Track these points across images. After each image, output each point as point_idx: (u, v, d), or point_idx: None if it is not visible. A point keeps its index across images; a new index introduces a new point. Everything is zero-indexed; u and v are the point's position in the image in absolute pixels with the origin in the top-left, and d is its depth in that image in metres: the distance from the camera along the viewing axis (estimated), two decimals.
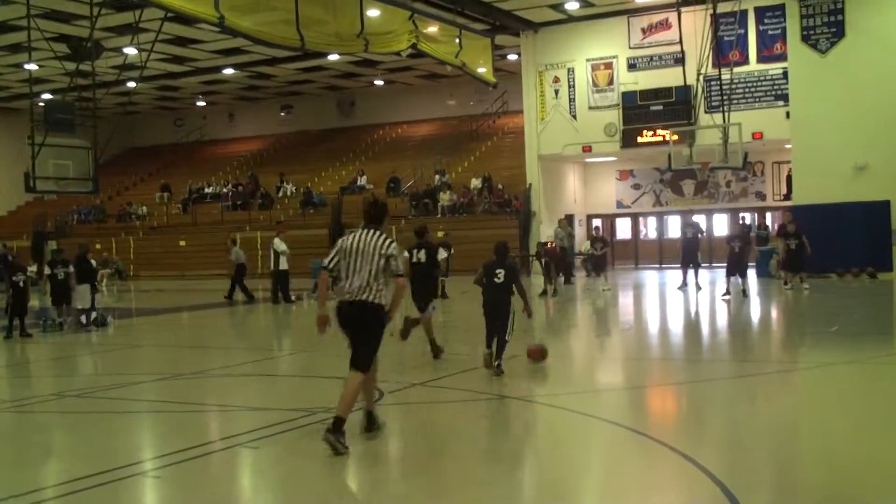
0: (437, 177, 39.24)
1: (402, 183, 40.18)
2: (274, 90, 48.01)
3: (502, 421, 9.21)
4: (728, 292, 21.09)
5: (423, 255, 13.01)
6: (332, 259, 7.99)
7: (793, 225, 23.36)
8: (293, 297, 24.28)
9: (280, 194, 43.13)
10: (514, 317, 11.34)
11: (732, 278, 21.47)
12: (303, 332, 18.55)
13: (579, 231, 36.81)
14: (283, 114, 51.23)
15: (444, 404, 9.79)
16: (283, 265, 24.08)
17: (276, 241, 24.48)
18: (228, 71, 41.49)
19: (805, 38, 28.14)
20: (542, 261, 25.03)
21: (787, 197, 31.00)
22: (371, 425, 8.19)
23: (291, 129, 50.88)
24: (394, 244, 7.92)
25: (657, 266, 36.09)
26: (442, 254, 18.57)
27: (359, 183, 41.09)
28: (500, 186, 37.06)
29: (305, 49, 22.05)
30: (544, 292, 23.59)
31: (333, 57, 36.39)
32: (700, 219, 30.99)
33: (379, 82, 46.67)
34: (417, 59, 36.32)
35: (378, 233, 7.99)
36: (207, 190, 45.46)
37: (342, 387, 7.83)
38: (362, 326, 7.83)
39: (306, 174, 44.43)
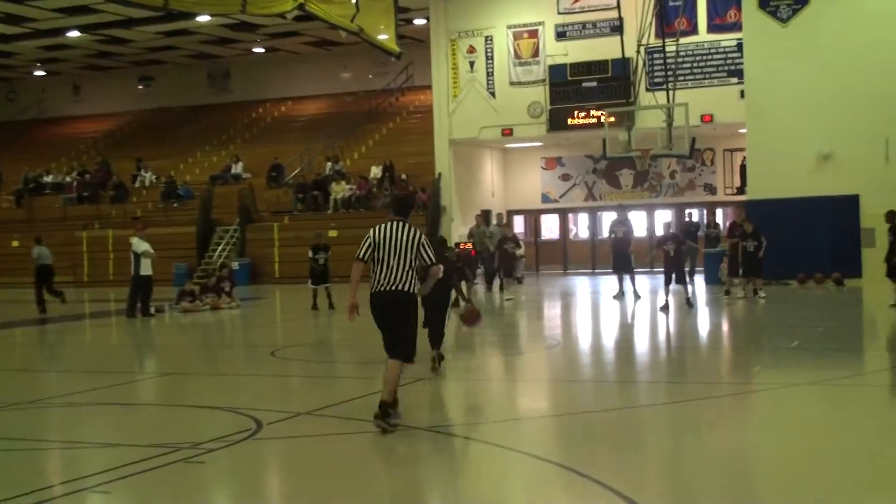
0: (328, 164, 39.10)
1: (285, 171, 39.93)
2: (130, 58, 47.33)
3: (406, 457, 9.21)
4: (667, 303, 21.43)
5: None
6: (365, 251, 9.80)
7: (750, 224, 23.84)
8: (152, 310, 23.92)
9: (137, 184, 42.51)
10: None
11: (672, 286, 21.81)
12: (166, 353, 18.30)
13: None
14: (140, 87, 50.55)
15: (336, 437, 9.76)
16: (146, 270, 23.62)
17: (135, 240, 24.05)
18: (73, 34, 40.71)
19: (763, 5, 28.73)
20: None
21: (741, 190, 31.61)
22: (388, 415, 9.53)
23: (151, 105, 50.21)
24: (423, 236, 9.85)
25: (589, 271, 36.53)
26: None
27: (233, 171, 40.72)
28: (403, 176, 37.09)
29: (169, 7, 21.80)
30: (456, 301, 23.58)
31: (203, 18, 36.03)
32: (638, 215, 31.51)
33: (259, 50, 46.37)
34: (305, 23, 36.15)
35: (407, 225, 9.80)
36: (47, 179, 44.49)
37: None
38: (398, 314, 9.64)
39: (169, 160, 43.88)
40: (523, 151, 38.51)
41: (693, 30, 31.33)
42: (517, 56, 34.07)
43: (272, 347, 17.50)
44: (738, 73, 30.32)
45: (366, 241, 9.86)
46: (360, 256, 9.82)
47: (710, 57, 31.64)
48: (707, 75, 31.62)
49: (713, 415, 10.66)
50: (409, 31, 38.76)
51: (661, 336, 18.55)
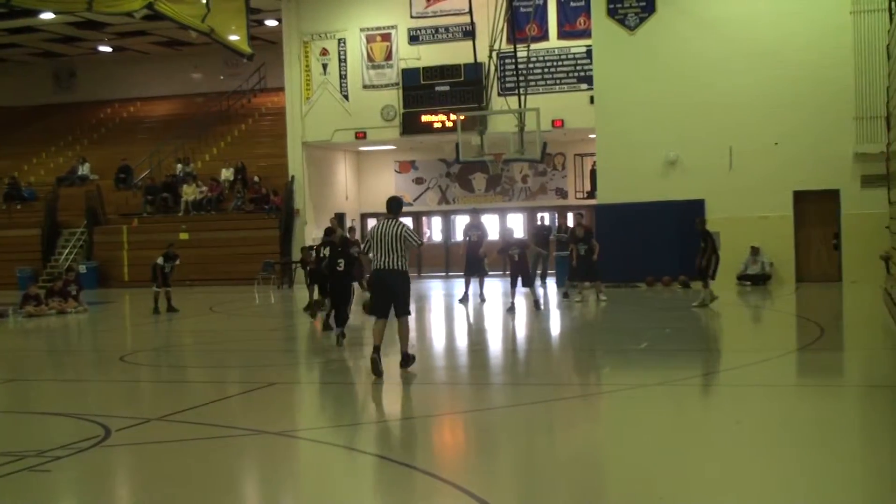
0: (178, 166, 38.52)
1: (134, 173, 39.14)
2: None
3: (257, 461, 9.13)
4: (512, 305, 21.72)
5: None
6: (366, 246, 13.45)
7: (581, 228, 24.28)
8: None
9: None
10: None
11: (519, 289, 22.07)
12: (9, 358, 17.73)
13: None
14: None
15: (187, 443, 9.61)
16: None
17: None
18: None
19: (612, 13, 29.32)
20: (308, 269, 24.93)
21: (592, 194, 32.18)
22: (408, 363, 13.36)
23: None
24: (407, 226, 13.31)
25: (443, 275, 36.71)
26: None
27: (80, 172, 39.75)
28: (256, 179, 36.80)
29: (11, 5, 21.16)
30: (309, 306, 23.48)
31: (47, 16, 35.08)
32: (491, 219, 31.77)
33: (106, 49, 45.38)
34: (154, 22, 35.50)
35: (396, 221, 13.19)
36: None
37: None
38: (395, 285, 13.05)
39: (12, 160, 42.61)
40: (377, 154, 38.55)
41: (544, 36, 31.81)
42: (370, 59, 34.10)
43: (121, 352, 17.13)
44: (588, 80, 30.89)
45: (366, 240, 13.64)
46: (364, 251, 13.76)
47: (560, 63, 32.17)
48: (558, 81, 32.15)
49: (564, 416, 10.82)
50: (261, 33, 38.46)
51: (511, 339, 18.74)
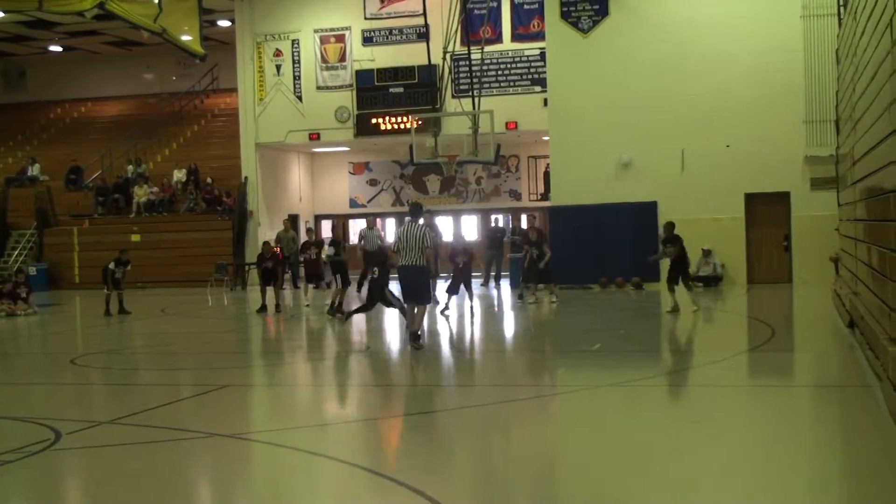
0: (130, 167, 38.21)
1: (85, 174, 38.77)
2: None
3: (210, 464, 9.07)
4: (447, 306, 21.83)
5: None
6: (396, 244, 15.84)
7: (534, 231, 24.32)
8: None
9: None
10: None
11: (455, 296, 22.03)
12: None
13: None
14: None
15: (139, 446, 9.53)
16: None
17: None
18: None
19: (565, 16, 29.43)
20: (263, 268, 24.82)
21: (545, 196, 32.30)
22: (417, 341, 15.70)
23: None
24: (428, 229, 16.02)
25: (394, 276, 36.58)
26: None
27: (30, 173, 39.29)
28: (209, 180, 36.60)
29: None
30: (263, 308, 23.40)
31: None
32: (445, 221, 31.75)
33: (56, 49, 44.90)
34: (106, 22, 35.22)
35: (418, 223, 16.04)
36: None
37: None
38: (417, 278, 15.75)
39: None
40: (331, 156, 38.47)
41: (498, 38, 31.87)
42: (324, 60, 34.00)
43: (71, 355, 16.99)
44: (542, 82, 30.99)
45: (395, 238, 16.14)
46: (395, 249, 15.90)
47: (514, 65, 32.24)
48: (511, 83, 32.22)
49: (518, 417, 10.84)
50: (213, 33, 38.24)
51: (464, 341, 18.75)
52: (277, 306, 23.30)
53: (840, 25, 21.45)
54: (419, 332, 15.84)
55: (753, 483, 7.59)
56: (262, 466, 9.00)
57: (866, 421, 9.64)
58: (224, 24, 37.57)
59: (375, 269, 17.82)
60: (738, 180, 27.54)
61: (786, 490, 7.50)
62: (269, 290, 23.75)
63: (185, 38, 29.21)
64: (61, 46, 44.57)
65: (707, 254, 27.62)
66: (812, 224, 26.60)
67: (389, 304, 17.60)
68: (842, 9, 21.08)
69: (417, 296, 15.90)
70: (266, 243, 24.55)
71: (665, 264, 21.56)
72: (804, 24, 27.28)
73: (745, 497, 7.27)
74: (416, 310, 15.96)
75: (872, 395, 10.47)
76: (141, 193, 36.47)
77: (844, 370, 13.05)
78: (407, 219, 17.51)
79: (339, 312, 21.07)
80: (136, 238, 33.94)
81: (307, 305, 24.49)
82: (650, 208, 28.13)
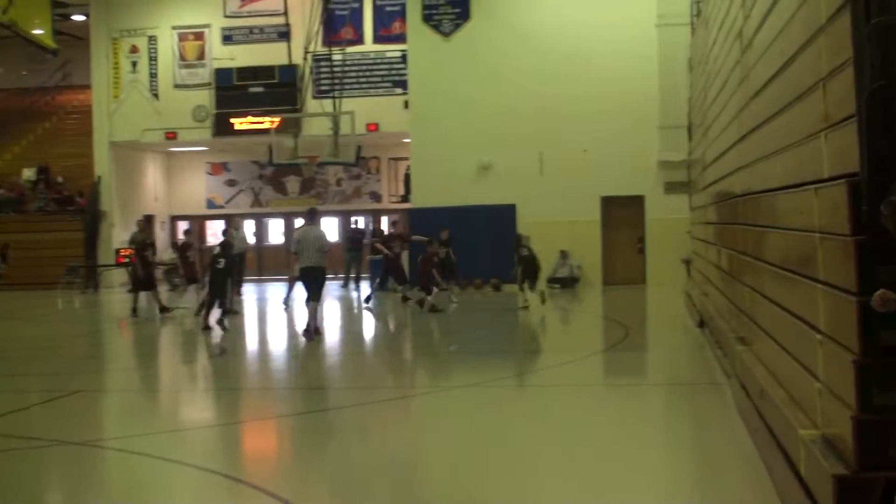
0: None
1: None
2: None
3: (60, 474, 8.85)
4: (287, 303, 22.47)
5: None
6: (295, 247, 17.04)
7: (446, 232, 25.00)
8: None
9: None
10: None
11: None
12: None
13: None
14: None
15: None
16: None
17: None
18: None
19: (427, 19, 29.58)
20: (129, 269, 24.38)
21: (406, 198, 32.39)
22: (313, 335, 16.89)
23: None
24: (324, 232, 17.49)
25: (255, 278, 36.23)
26: None
27: None
28: (60, 179, 35.72)
29: None
30: (135, 311, 22.77)
31: None
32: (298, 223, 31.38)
33: None
34: None
35: (315, 227, 17.24)
36: None
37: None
38: (317, 278, 16.97)
39: None
40: (188, 156, 37.88)
41: (359, 39, 31.85)
42: (182, 58, 33.50)
43: None
44: (403, 84, 31.07)
45: (294, 241, 17.31)
46: (294, 251, 17.09)
47: (375, 67, 32.26)
48: (373, 85, 32.23)
49: (376, 419, 10.86)
50: (67, 27, 37.30)
51: (320, 343, 18.68)
52: (164, 309, 22.55)
53: (693, 35, 22.02)
54: (311, 327, 16.96)
55: (607, 480, 7.76)
56: (115, 475, 8.84)
57: (715, 416, 9.93)
58: (79, 18, 36.70)
59: (221, 259, 18.61)
60: (595, 184, 28.06)
61: (640, 484, 7.70)
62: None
63: (37, 31, 28.48)
64: None
65: (564, 255, 28.07)
66: (665, 227, 27.23)
67: (224, 295, 18.65)
68: (695, 19, 21.63)
69: (314, 294, 17.01)
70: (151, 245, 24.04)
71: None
72: (659, 33, 27.92)
73: (599, 493, 7.41)
74: (311, 307, 17.05)
75: (721, 392, 10.78)
76: None
77: (695, 368, 13.42)
78: (302, 222, 18.50)
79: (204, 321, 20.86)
80: None
81: (183, 308, 24.13)
82: (509, 211, 28.45)
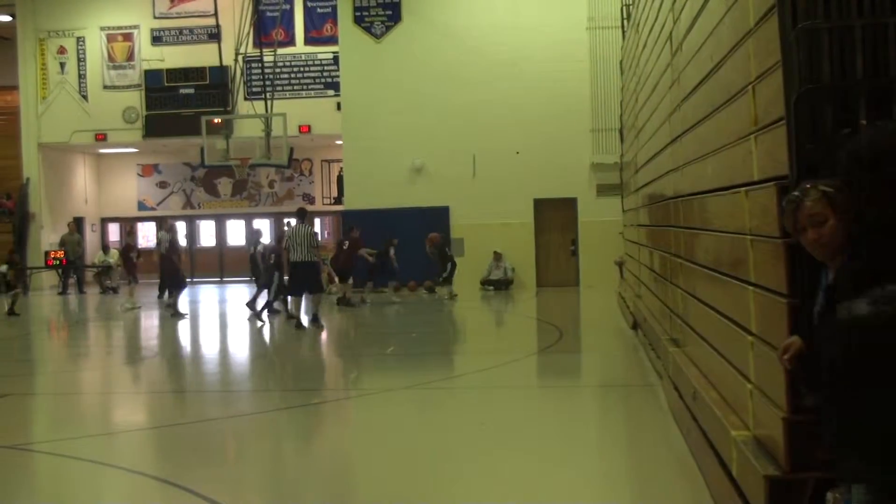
0: None
1: None
2: None
3: None
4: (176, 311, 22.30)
5: None
6: (287, 242, 18.58)
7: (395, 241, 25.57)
8: None
9: None
10: None
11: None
12: None
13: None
14: None
15: None
16: None
17: None
18: None
19: (358, 21, 29.52)
20: (60, 271, 24.11)
21: (339, 200, 32.30)
22: (300, 325, 18.70)
23: None
24: (313, 230, 19.58)
25: (189, 280, 35.86)
26: None
27: None
28: None
29: None
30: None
31: None
32: (237, 224, 31.19)
33: None
34: None
35: (305, 225, 18.95)
36: None
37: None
38: (308, 273, 18.62)
39: None
40: (119, 157, 37.43)
41: (291, 41, 31.71)
42: (111, 59, 33.12)
43: None
44: (335, 86, 31.00)
45: (286, 237, 18.97)
46: (285, 247, 18.70)
47: (307, 69, 32.13)
48: (305, 87, 32.11)
49: (312, 421, 10.84)
50: None
51: (256, 346, 18.59)
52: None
53: (624, 37, 22.19)
54: (317, 315, 18.88)
55: (541, 481, 7.78)
56: (44, 478, 8.72)
57: (648, 417, 10.03)
58: (4, 18, 36.07)
59: (272, 256, 20.51)
60: (528, 186, 28.17)
61: (574, 485, 7.74)
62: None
63: None
64: None
65: (498, 258, 28.15)
66: (598, 229, 27.41)
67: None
68: (625, 21, 21.81)
69: (310, 287, 19.00)
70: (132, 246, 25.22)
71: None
72: (590, 36, 28.15)
73: (532, 495, 7.42)
74: (311, 298, 19.10)
75: (654, 393, 10.88)
76: None
77: (628, 370, 13.52)
78: (294, 221, 20.07)
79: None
80: None
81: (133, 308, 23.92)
82: (442, 213, 28.49)
